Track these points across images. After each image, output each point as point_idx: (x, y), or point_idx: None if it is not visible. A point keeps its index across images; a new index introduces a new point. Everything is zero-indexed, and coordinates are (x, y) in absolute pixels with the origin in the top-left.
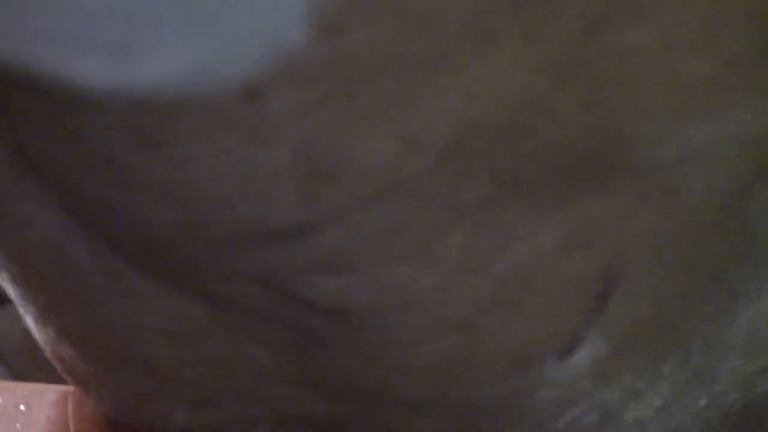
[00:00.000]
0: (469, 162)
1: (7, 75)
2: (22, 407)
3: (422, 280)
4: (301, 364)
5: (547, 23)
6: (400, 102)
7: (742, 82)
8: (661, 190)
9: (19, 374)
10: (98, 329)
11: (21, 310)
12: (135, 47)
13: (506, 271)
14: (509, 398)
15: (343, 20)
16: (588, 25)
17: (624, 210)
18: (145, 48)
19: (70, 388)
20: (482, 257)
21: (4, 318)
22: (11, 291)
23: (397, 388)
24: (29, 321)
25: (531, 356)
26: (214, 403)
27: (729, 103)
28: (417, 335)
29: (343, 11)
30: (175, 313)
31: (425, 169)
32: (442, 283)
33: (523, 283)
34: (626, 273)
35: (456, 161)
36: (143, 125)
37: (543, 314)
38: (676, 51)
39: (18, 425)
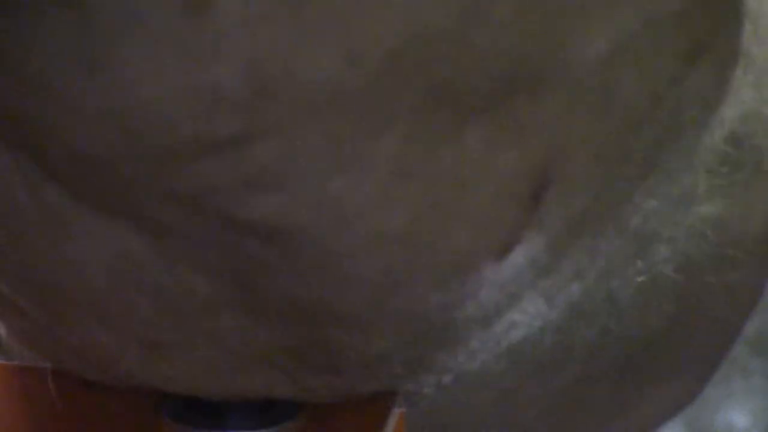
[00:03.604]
0: (407, 74)
1: None
2: None
3: (357, 192)
4: (242, 290)
5: None
6: (345, 15)
7: None
8: (595, 91)
9: None
10: (40, 271)
11: None
12: None
13: (438, 176)
14: (452, 304)
15: None
16: None
17: (557, 113)
18: None
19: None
20: (414, 163)
21: None
22: None
23: (335, 303)
24: None
25: (470, 261)
26: (163, 344)
27: None
28: (355, 249)
29: None
30: (114, 247)
31: (364, 83)
32: (377, 193)
33: (455, 186)
34: (562, 172)
35: (394, 74)
36: (84, 48)
37: (478, 218)
38: None
39: None
